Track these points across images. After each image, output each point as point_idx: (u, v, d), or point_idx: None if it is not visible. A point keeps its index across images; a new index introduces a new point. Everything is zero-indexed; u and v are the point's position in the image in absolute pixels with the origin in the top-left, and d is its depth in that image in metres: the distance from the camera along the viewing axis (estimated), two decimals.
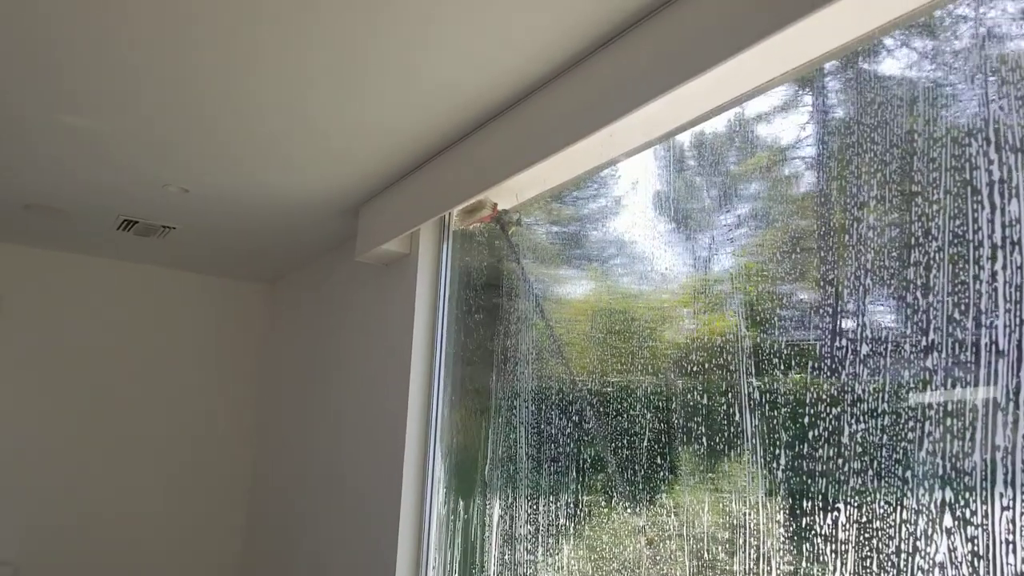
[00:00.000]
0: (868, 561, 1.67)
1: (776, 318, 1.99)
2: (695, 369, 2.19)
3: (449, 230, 3.53)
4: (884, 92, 1.85)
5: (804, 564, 1.80)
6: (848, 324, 1.81)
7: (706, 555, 2.05)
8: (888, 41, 1.94)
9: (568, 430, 2.62)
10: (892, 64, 1.94)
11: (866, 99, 1.90)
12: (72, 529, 4.75)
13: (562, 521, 2.56)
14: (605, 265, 2.68)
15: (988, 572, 1.48)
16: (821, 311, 1.88)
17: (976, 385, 1.54)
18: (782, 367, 1.94)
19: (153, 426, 5.05)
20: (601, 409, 2.51)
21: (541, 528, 2.65)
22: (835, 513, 1.75)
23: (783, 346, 1.95)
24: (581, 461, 2.55)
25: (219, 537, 5.08)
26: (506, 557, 2.79)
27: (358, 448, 3.77)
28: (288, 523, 4.47)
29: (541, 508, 2.67)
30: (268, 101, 2.93)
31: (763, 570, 1.89)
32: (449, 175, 3.19)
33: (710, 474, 2.09)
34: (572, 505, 2.54)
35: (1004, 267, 1.53)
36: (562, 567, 2.54)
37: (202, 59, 2.65)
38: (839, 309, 1.83)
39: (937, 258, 1.65)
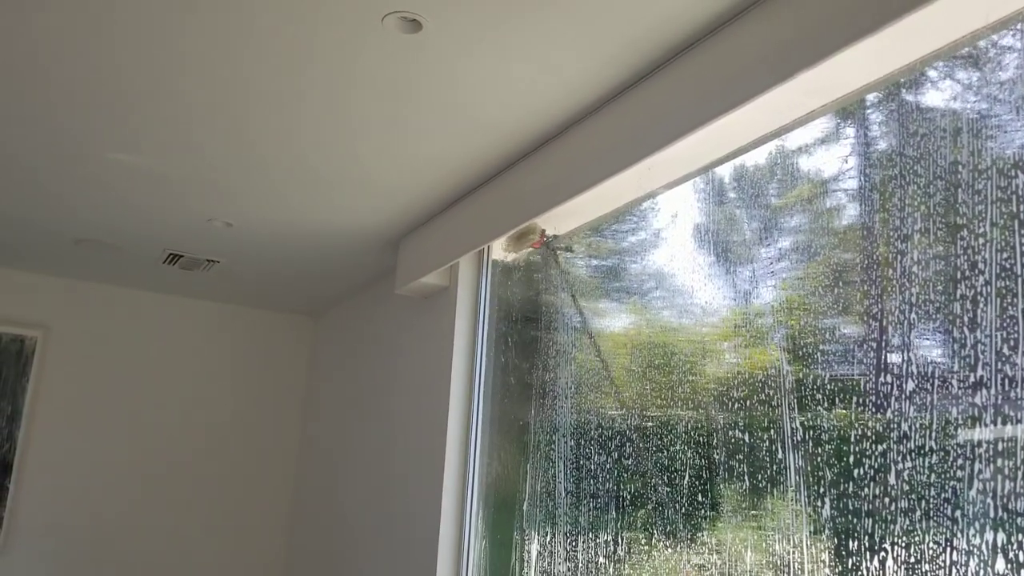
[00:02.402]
0: None
1: (819, 352, 1.95)
2: (736, 405, 2.16)
3: (488, 263, 3.54)
4: (927, 124, 1.83)
5: None
6: (893, 359, 1.77)
7: None
8: (932, 73, 1.91)
9: (608, 466, 2.59)
10: (936, 96, 1.92)
11: (909, 131, 1.87)
12: (114, 559, 4.78)
13: (601, 560, 2.53)
14: (645, 298, 2.66)
15: None
16: (865, 345, 1.84)
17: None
18: (825, 403, 1.90)
19: (197, 457, 5.08)
20: (641, 445, 2.48)
21: (580, 566, 2.61)
22: (882, 554, 1.71)
23: (826, 381, 1.91)
24: (621, 497, 2.51)
25: (260, 566, 5.08)
26: None
27: (397, 482, 3.76)
28: (328, 557, 4.46)
29: (580, 545, 2.64)
30: (310, 138, 2.97)
31: None
32: (488, 208, 3.20)
33: (753, 512, 2.04)
34: (612, 543, 2.50)
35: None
36: None
37: (246, 98, 2.70)
38: (884, 344, 1.79)
39: (984, 292, 1.61)
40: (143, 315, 5.12)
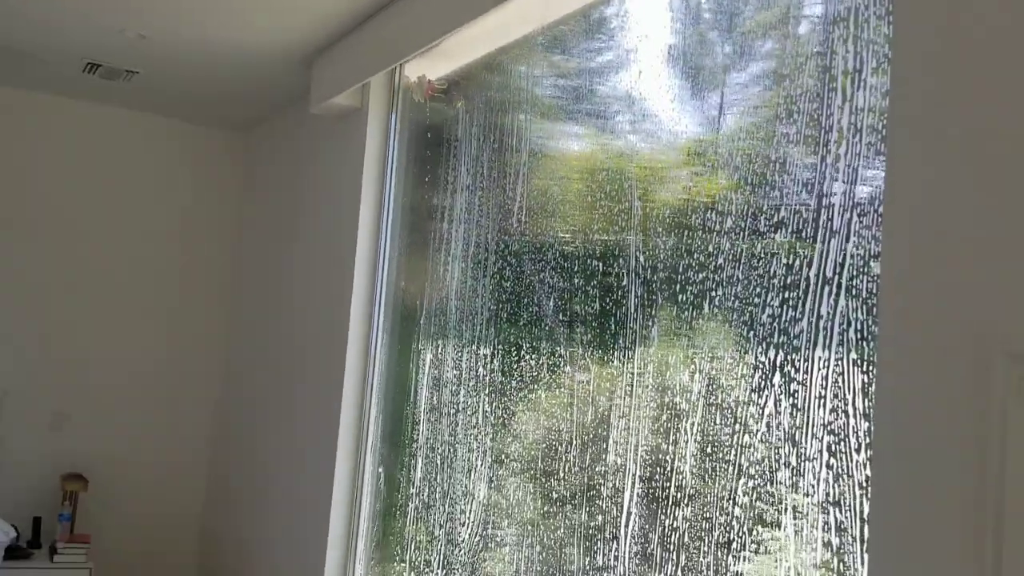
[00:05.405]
0: (712, 409, 1.88)
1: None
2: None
3: (400, 83, 3.58)
4: None
5: (664, 413, 2.02)
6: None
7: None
8: None
9: (491, 286, 2.80)
10: None
11: None
12: (45, 373, 4.97)
13: (480, 369, 2.78)
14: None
15: (804, 422, 1.68)
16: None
17: (812, 260, 1.69)
18: (664, 234, 2.08)
19: (123, 268, 5.16)
20: (521, 268, 2.66)
21: (462, 373, 2.88)
22: (692, 366, 1.95)
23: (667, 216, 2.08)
24: (499, 316, 2.73)
25: (197, 382, 5.31)
26: (434, 399, 3.04)
27: (313, 300, 3.96)
28: (261, 363, 4.72)
29: (464, 356, 2.89)
30: None
31: (634, 414, 2.10)
32: (397, 27, 3.20)
33: (603, 330, 2.23)
34: (488, 355, 2.75)
35: (845, 152, 1.64)
36: (477, 409, 2.79)
37: None
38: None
39: (796, 139, 1.76)
40: (67, 123, 5.08)
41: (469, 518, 2.77)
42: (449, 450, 2.92)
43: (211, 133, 5.46)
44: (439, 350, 3.04)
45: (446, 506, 2.90)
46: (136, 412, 5.10)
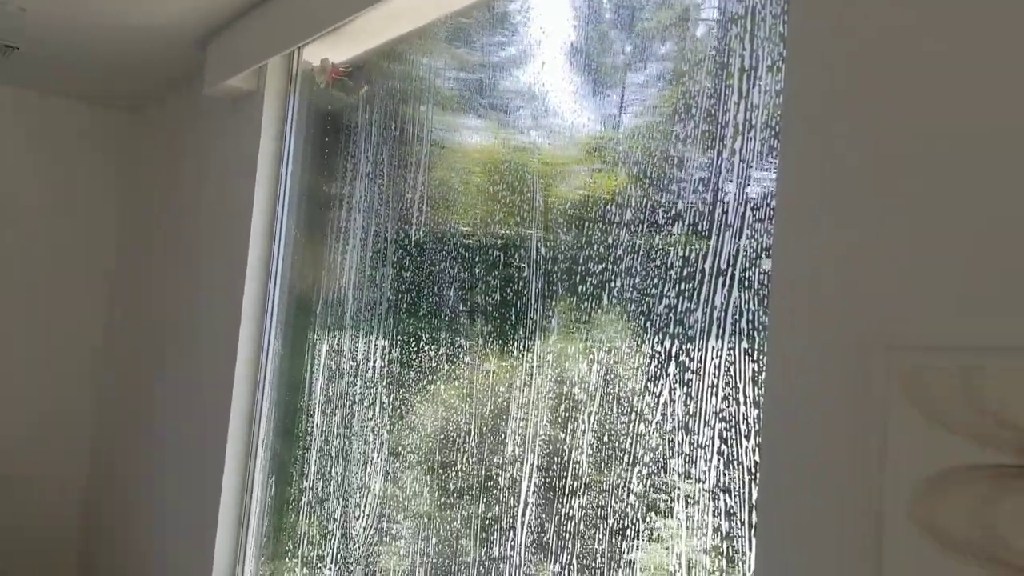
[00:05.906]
0: (610, 398, 1.91)
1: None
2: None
3: (298, 68, 3.50)
4: None
5: (562, 404, 2.03)
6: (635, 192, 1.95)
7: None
8: None
9: (390, 276, 2.76)
10: None
11: None
12: None
13: (379, 361, 2.75)
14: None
15: (697, 410, 1.72)
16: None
17: (707, 253, 1.74)
18: (565, 227, 2.09)
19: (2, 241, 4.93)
20: (419, 257, 2.64)
21: (359, 364, 2.84)
22: (590, 356, 1.97)
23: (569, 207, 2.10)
24: (398, 306, 2.70)
25: (75, 375, 5.09)
26: (330, 391, 2.99)
27: (203, 289, 3.83)
28: (144, 358, 4.55)
29: (360, 347, 2.85)
30: None
31: (532, 404, 2.12)
32: (298, 8, 3.13)
33: (504, 318, 2.25)
34: (386, 346, 2.71)
35: (740, 148, 1.69)
36: (374, 401, 2.76)
37: None
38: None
39: (693, 134, 1.80)
40: None
41: (364, 512, 2.73)
42: (344, 443, 2.87)
43: (96, 112, 5.22)
44: (335, 341, 2.99)
45: (340, 500, 2.85)
46: (8, 410, 4.85)
